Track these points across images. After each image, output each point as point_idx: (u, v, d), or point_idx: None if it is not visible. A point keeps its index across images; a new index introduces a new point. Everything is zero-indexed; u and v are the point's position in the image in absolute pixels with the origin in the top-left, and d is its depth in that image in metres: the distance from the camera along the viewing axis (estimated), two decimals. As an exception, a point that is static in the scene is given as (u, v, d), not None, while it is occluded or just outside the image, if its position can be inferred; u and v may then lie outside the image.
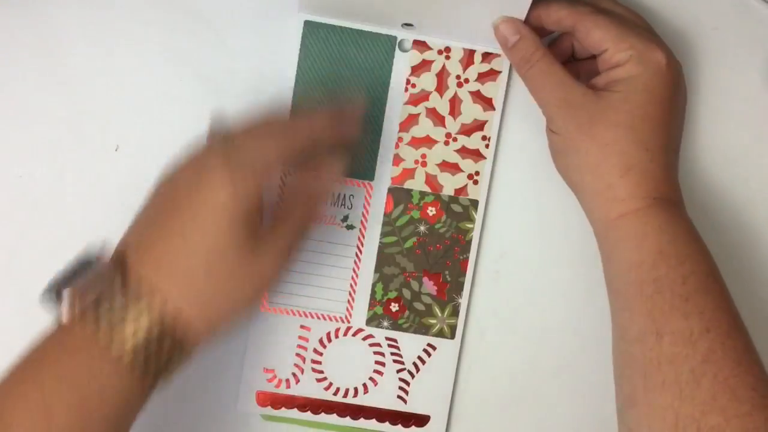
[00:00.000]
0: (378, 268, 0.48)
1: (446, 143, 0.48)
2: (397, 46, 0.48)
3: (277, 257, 0.39)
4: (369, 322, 0.49)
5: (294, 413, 0.48)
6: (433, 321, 0.49)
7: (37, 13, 0.47)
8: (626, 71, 0.42)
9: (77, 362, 0.36)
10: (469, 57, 0.48)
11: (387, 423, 0.49)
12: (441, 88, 0.48)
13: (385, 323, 0.49)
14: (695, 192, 0.46)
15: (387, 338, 0.49)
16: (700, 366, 0.38)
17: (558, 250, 0.49)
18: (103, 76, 0.47)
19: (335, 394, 0.49)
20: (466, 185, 0.48)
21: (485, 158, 0.48)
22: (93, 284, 0.37)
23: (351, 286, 0.48)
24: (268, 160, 0.39)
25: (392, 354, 0.49)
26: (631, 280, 0.41)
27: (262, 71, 0.48)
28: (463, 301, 0.49)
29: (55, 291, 0.38)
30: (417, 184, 0.48)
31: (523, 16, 0.44)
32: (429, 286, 0.49)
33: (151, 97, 0.48)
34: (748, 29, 0.49)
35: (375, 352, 0.49)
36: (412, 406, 0.49)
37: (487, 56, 0.48)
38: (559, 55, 0.45)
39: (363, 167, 0.48)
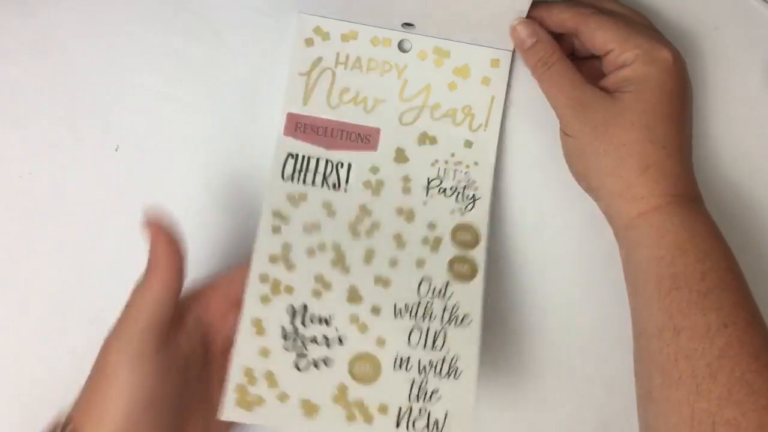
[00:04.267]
0: None
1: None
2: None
3: None
4: None
5: None
6: None
7: (37, 13, 0.47)
8: (634, 71, 0.42)
9: None
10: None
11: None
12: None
13: None
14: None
15: None
16: (717, 361, 0.38)
17: (558, 250, 0.49)
18: (103, 76, 0.48)
19: None
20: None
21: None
22: None
23: None
24: None
25: None
26: (650, 276, 0.41)
27: (262, 71, 0.48)
28: None
29: None
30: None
31: (523, 16, 0.44)
32: None
33: (151, 97, 0.48)
34: (748, 29, 0.49)
35: None
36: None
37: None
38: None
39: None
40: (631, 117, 0.42)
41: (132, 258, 0.48)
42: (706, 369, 0.38)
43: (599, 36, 0.43)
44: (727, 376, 0.37)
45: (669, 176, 0.42)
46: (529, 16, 0.45)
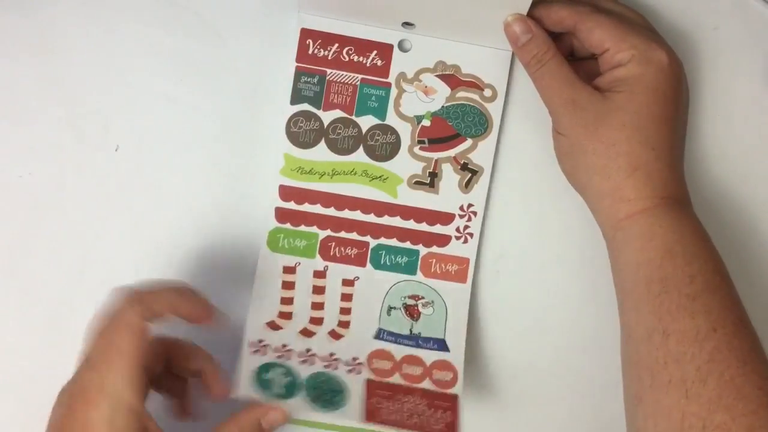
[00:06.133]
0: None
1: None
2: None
3: None
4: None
5: None
6: None
7: (37, 13, 0.47)
8: (629, 71, 0.42)
9: None
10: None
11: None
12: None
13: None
14: (695, 192, 0.46)
15: None
16: (707, 365, 0.38)
17: (558, 250, 0.49)
18: (103, 76, 0.48)
19: None
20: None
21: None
22: None
23: None
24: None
25: None
26: (639, 279, 0.41)
27: (262, 71, 0.48)
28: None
29: None
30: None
31: (523, 15, 0.44)
32: None
33: (151, 97, 0.48)
34: (748, 29, 0.49)
35: None
36: None
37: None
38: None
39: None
40: (622, 117, 0.42)
41: (132, 258, 0.48)
42: (696, 373, 0.38)
43: (596, 34, 0.43)
44: (716, 381, 0.37)
45: (657, 178, 0.42)
46: (527, 15, 0.44)
